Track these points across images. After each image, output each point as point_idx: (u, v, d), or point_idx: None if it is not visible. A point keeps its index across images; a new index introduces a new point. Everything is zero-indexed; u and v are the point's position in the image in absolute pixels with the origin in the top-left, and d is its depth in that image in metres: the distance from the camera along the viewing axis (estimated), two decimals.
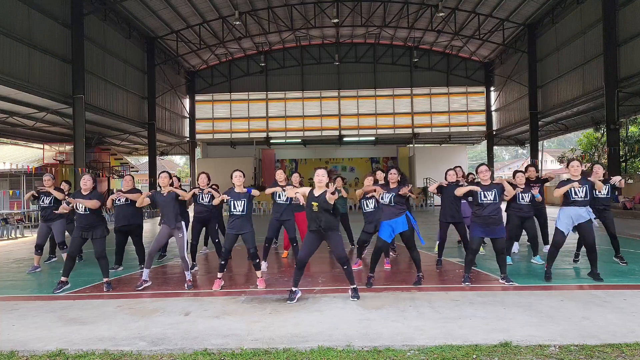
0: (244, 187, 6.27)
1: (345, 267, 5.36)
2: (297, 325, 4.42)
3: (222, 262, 6.12)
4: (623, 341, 3.82)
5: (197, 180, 7.76)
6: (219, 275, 6.18)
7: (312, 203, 5.29)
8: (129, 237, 7.72)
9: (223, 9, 23.90)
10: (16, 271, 8.08)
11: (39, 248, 7.86)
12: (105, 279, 6.26)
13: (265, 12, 24.77)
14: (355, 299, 5.28)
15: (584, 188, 6.00)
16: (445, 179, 7.44)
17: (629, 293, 5.39)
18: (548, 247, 8.34)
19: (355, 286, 5.43)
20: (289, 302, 5.24)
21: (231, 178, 6.26)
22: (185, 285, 6.17)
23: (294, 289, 5.40)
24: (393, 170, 6.17)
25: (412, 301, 5.20)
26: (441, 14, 23.03)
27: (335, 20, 24.37)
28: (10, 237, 14.60)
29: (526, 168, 8.02)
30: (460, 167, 8.02)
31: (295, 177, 8.17)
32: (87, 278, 7.00)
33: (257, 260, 6.25)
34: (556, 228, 6.16)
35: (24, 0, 15.42)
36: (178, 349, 3.90)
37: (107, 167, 27.63)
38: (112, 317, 4.86)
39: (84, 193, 6.25)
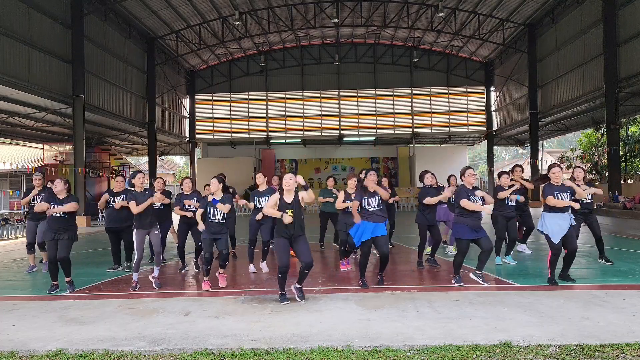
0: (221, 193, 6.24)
1: (307, 271, 5.31)
2: (297, 325, 4.41)
3: (208, 268, 6.18)
4: (623, 341, 3.82)
5: (181, 186, 7.87)
6: (205, 279, 6.22)
7: (287, 211, 5.20)
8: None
9: (223, 9, 23.90)
10: (16, 271, 8.08)
11: (30, 247, 7.83)
12: (67, 279, 6.20)
13: (265, 12, 24.77)
14: (302, 300, 5.26)
15: (567, 194, 5.96)
16: (422, 181, 7.50)
17: (629, 293, 5.39)
18: (524, 246, 8.56)
19: (301, 286, 5.41)
20: (282, 303, 5.22)
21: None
22: (151, 277, 6.28)
23: (282, 292, 5.35)
24: (372, 173, 6.03)
25: (412, 301, 5.20)
26: (441, 14, 23.03)
27: (335, 20, 24.36)
28: (10, 237, 14.60)
29: (513, 168, 7.97)
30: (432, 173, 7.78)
31: (275, 180, 8.13)
32: (87, 278, 7.00)
33: (226, 263, 6.29)
34: (547, 236, 5.99)
35: (24, 0, 15.42)
36: (178, 349, 3.90)
37: (107, 167, 27.61)
38: (112, 317, 4.86)
39: (59, 197, 6.12)
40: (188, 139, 31.98)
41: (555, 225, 5.94)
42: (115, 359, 3.79)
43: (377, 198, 5.89)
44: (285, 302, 5.21)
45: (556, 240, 5.92)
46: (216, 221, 6.08)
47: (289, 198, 5.30)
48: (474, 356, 3.61)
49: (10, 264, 8.96)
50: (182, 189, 7.73)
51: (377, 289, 5.90)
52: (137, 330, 4.38)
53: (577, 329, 4.13)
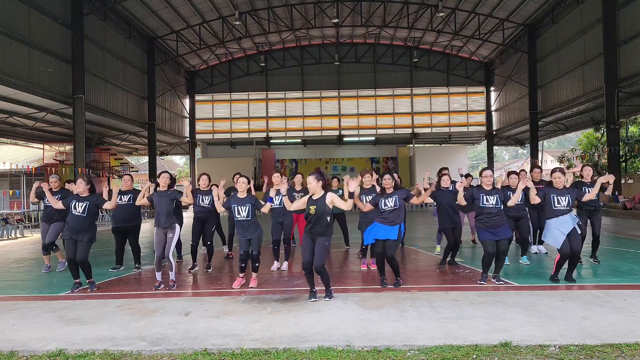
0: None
1: (320, 274, 5.35)
2: (297, 325, 4.41)
3: (242, 265, 6.23)
4: (623, 341, 3.82)
5: (198, 182, 7.77)
6: (241, 275, 6.28)
7: (310, 207, 5.33)
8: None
9: (223, 9, 23.89)
10: (16, 271, 8.08)
11: (46, 249, 7.70)
12: (88, 280, 6.27)
13: (265, 12, 24.76)
14: (328, 299, 5.31)
15: (567, 197, 5.97)
16: (439, 183, 7.45)
17: (629, 293, 5.39)
18: (536, 247, 8.37)
19: (331, 289, 5.45)
20: (310, 299, 5.31)
21: (234, 182, 6.32)
22: (168, 286, 6.24)
23: (313, 289, 5.42)
24: (387, 176, 6.06)
25: (412, 301, 5.20)
26: (441, 14, 23.01)
27: (335, 20, 24.34)
28: (10, 237, 14.60)
29: (532, 168, 7.99)
30: (447, 168, 7.94)
31: (298, 179, 8.16)
32: None
33: (257, 264, 6.23)
34: (555, 243, 6.04)
35: (24, 0, 15.42)
36: (178, 349, 3.90)
37: (107, 167, 27.63)
38: (112, 317, 4.86)
39: (82, 196, 6.22)
40: (188, 139, 31.97)
41: (554, 230, 5.98)
42: (115, 359, 3.79)
43: (394, 198, 5.88)
44: (314, 300, 5.29)
45: (559, 244, 5.94)
46: (242, 219, 6.14)
47: (315, 197, 5.40)
48: (474, 356, 3.61)
49: (10, 264, 8.96)
50: (198, 185, 7.69)
51: (377, 289, 5.91)
52: (137, 330, 4.38)
53: (577, 329, 4.13)
